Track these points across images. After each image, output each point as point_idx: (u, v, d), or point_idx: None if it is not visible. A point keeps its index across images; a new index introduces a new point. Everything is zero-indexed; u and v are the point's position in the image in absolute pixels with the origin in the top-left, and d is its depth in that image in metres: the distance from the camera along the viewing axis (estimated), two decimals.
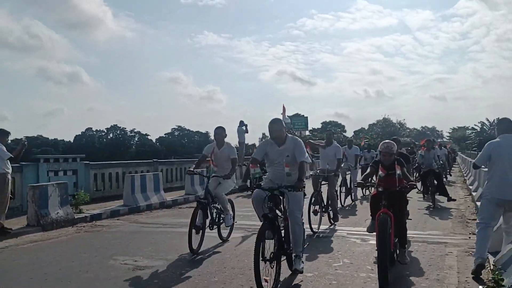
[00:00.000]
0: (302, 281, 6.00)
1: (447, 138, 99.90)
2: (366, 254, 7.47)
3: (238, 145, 21.40)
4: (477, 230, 6.46)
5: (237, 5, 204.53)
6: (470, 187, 18.26)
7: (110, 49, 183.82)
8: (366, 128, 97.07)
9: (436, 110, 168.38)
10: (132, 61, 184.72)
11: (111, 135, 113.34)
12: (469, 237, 8.69)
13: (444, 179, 20.46)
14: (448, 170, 26.06)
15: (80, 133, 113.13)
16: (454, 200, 14.04)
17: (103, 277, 6.27)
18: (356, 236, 8.97)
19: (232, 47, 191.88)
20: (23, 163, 12.86)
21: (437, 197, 14.54)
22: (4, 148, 9.24)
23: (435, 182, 14.09)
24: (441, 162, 14.00)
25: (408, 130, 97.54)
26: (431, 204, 13.70)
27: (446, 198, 13.91)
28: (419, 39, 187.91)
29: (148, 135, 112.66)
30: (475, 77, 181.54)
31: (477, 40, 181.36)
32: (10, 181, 9.58)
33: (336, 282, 5.92)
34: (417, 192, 16.26)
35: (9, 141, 9.63)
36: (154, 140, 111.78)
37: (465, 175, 26.04)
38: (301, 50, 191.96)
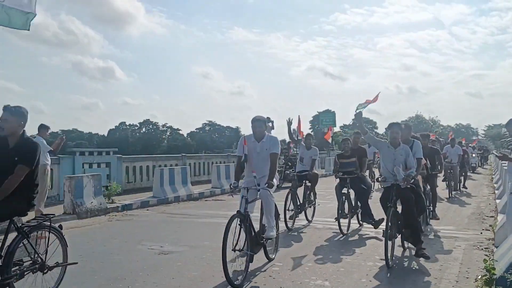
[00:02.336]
0: (311, 266, 6.50)
1: (482, 136, 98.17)
2: (377, 246, 7.90)
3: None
4: None
5: (268, 0, 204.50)
6: (495, 185, 18.33)
7: (143, 44, 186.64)
8: None
9: (472, 107, 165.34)
10: (164, 56, 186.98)
11: (143, 129, 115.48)
12: (481, 233, 9.00)
13: (453, 192, 15.73)
14: (460, 181, 17.95)
15: (114, 127, 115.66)
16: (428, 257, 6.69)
17: (131, 260, 6.91)
18: (370, 230, 9.37)
19: (263, 43, 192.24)
20: (60, 155, 13.71)
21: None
22: (45, 142, 10.01)
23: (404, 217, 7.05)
24: (411, 173, 6.84)
25: (441, 127, 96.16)
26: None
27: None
28: (456, 34, 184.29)
29: (180, 129, 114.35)
30: None
31: None
32: (49, 172, 10.37)
33: (343, 269, 6.40)
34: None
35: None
36: (185, 135, 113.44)
37: (493, 173, 25.90)
38: (333, 45, 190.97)
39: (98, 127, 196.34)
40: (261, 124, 6.46)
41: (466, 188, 18.23)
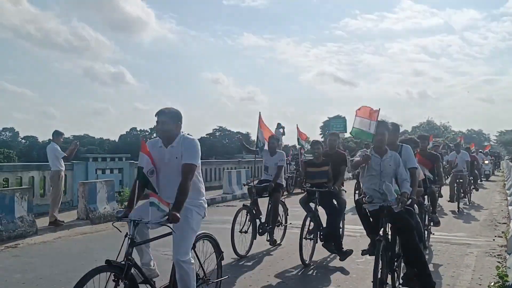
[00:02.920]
0: (324, 273, 6.54)
1: (494, 141, 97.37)
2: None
3: None
4: None
5: (279, 6, 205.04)
6: (507, 191, 18.21)
7: (154, 50, 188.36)
8: (409, 130, 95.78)
9: (484, 112, 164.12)
10: (175, 62, 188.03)
11: (154, 135, 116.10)
12: (493, 239, 8.97)
13: (461, 205, 13.82)
14: (471, 191, 16.25)
15: (125, 133, 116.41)
16: None
17: None
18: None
19: (273, 48, 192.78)
20: (74, 161, 13.86)
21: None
22: (59, 148, 10.17)
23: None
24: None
25: (453, 133, 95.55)
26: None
27: None
28: (467, 39, 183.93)
29: (190, 135, 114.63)
30: None
31: None
32: (63, 178, 10.52)
33: (355, 276, 6.45)
34: None
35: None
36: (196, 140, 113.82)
37: (505, 180, 25.70)
38: (343, 51, 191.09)
39: (109, 133, 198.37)
40: (166, 120, 4.26)
41: (477, 190, 17.03)
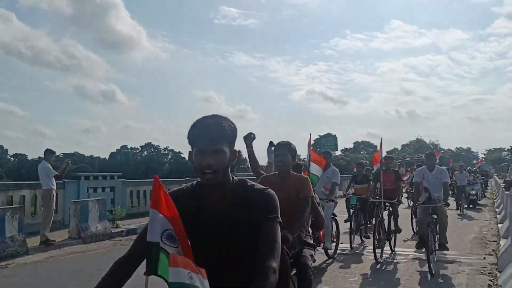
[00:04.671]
0: None
1: (483, 159, 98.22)
2: (381, 272, 7.95)
3: (267, 165, 22.01)
4: None
5: (270, 26, 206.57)
6: (497, 209, 18.37)
7: (146, 68, 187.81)
8: (399, 149, 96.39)
9: (472, 131, 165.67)
10: (166, 80, 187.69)
11: (145, 152, 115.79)
12: (484, 257, 9.04)
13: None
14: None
15: (115, 151, 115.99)
16: None
17: (138, 284, 6.96)
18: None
19: (265, 67, 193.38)
20: (65, 180, 13.80)
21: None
22: (50, 166, 10.17)
23: None
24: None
25: (442, 151, 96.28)
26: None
27: None
28: (455, 59, 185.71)
29: (182, 153, 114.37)
30: None
31: None
32: (55, 196, 10.49)
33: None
34: None
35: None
36: (187, 158, 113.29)
37: (494, 198, 25.85)
38: (334, 70, 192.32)
39: (99, 150, 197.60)
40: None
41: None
